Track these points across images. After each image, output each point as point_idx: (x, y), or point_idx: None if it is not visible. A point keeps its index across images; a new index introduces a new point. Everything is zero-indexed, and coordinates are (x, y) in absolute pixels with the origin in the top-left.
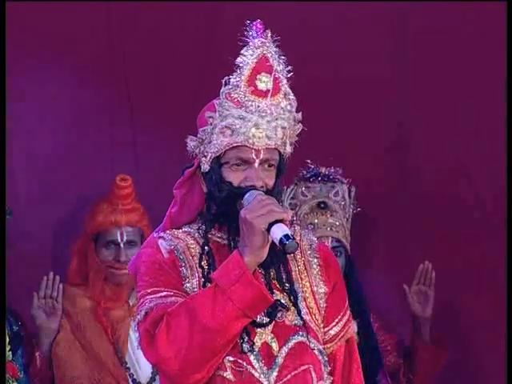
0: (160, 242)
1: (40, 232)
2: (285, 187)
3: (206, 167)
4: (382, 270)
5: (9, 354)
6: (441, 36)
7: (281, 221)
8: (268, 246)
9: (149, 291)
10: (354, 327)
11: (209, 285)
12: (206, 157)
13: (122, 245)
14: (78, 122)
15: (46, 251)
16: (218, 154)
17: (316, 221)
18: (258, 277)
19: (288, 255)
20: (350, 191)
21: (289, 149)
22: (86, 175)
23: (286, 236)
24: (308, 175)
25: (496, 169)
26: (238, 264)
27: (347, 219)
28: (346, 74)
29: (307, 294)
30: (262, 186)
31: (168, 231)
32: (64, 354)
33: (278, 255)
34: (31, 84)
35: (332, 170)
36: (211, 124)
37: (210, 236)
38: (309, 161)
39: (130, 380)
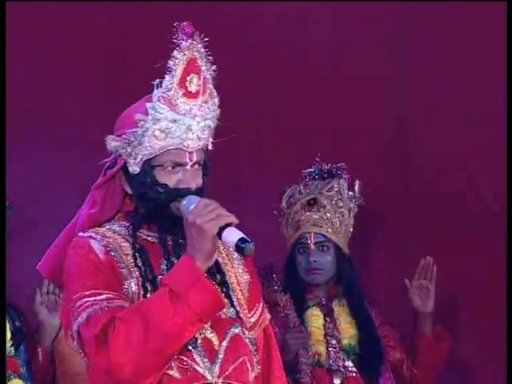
0: (92, 242)
1: (43, 227)
2: (286, 187)
3: (135, 169)
4: (383, 266)
5: (11, 350)
6: (441, 36)
7: (229, 224)
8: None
9: (87, 293)
10: (268, 315)
11: (148, 284)
12: (135, 159)
13: None
14: (81, 122)
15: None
16: (150, 157)
17: (302, 217)
18: (210, 281)
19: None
20: (353, 185)
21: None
22: (87, 173)
23: (242, 239)
24: (307, 174)
25: (496, 167)
26: (191, 269)
27: (342, 214)
28: (346, 74)
29: (234, 285)
30: (197, 187)
31: (92, 230)
32: (66, 349)
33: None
34: (31, 84)
35: (334, 166)
36: (142, 127)
37: (138, 234)
38: (317, 158)
39: None
